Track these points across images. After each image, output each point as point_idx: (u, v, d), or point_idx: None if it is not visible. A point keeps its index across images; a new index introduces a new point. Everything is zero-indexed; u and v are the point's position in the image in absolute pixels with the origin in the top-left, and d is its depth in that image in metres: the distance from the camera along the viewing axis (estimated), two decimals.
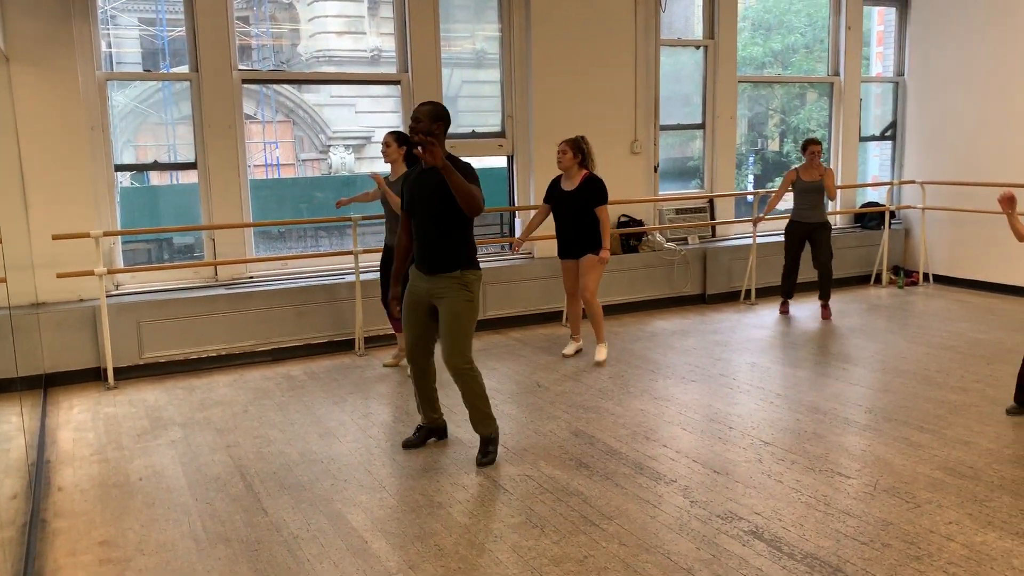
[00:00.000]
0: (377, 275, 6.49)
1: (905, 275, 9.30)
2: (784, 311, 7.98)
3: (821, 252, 7.65)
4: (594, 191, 6.11)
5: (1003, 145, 8.58)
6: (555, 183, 6.32)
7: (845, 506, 3.83)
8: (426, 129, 4.14)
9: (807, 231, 7.65)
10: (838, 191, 7.56)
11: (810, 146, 7.53)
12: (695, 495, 4.00)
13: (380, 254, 6.36)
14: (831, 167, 7.71)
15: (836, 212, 9.69)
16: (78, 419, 5.39)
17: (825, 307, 7.72)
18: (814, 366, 6.16)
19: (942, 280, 9.25)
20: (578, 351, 6.63)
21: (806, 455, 4.45)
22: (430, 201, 4.25)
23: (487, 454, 4.47)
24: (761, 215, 8.16)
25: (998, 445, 4.53)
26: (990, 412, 5.06)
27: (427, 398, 4.66)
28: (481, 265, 4.48)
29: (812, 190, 7.54)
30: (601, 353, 6.38)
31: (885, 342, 6.82)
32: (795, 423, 4.95)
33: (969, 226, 8.92)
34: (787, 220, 7.87)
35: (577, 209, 6.15)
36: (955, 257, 9.18)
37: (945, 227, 9.20)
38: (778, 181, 10.05)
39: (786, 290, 7.97)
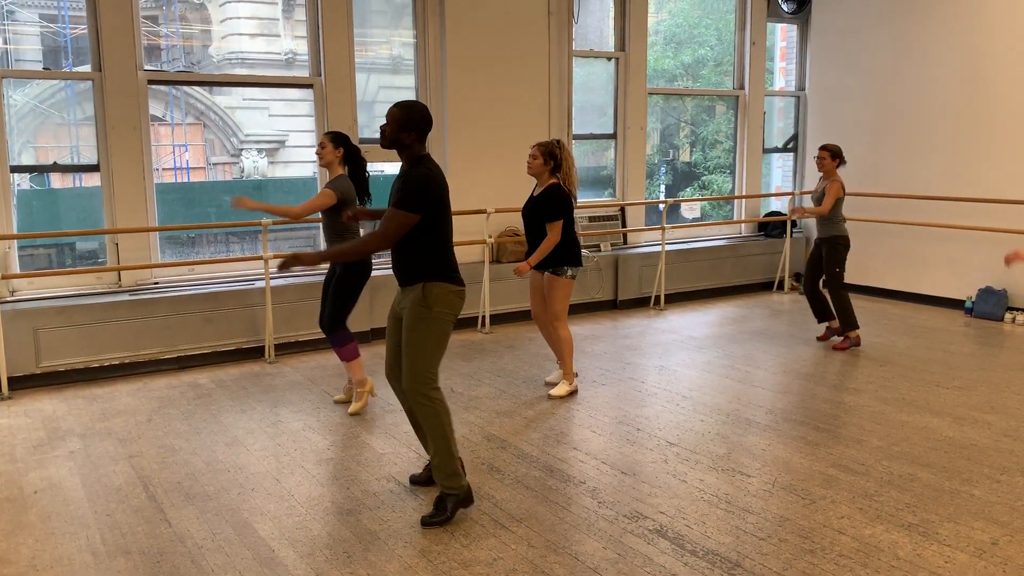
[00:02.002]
0: (289, 280, 6.37)
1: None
2: (823, 337, 7.20)
3: (825, 271, 6.98)
4: (550, 203, 5.45)
5: (898, 157, 9.03)
6: (533, 190, 5.69)
7: (745, 504, 3.98)
8: (393, 136, 3.75)
9: (818, 246, 7.07)
10: (824, 205, 6.79)
11: (818, 152, 7.00)
12: (603, 496, 4.08)
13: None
14: (837, 179, 6.89)
15: (741, 221, 10.05)
16: None
17: (834, 332, 7.06)
18: (719, 369, 6.36)
19: None
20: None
21: (709, 455, 4.60)
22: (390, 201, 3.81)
23: (439, 512, 3.81)
24: (801, 208, 7.35)
25: (887, 443, 4.77)
26: (881, 412, 5.31)
27: (421, 428, 4.05)
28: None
29: (818, 202, 6.97)
30: (561, 388, 5.70)
31: (786, 346, 7.08)
32: (700, 424, 5.11)
33: (865, 235, 9.34)
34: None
35: (535, 219, 5.53)
36: (852, 264, 9.52)
37: None
38: (688, 191, 10.35)
39: (814, 312, 7.17)
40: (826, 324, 7.19)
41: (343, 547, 3.58)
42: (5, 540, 3.68)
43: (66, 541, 3.67)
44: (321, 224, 5.43)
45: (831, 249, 6.96)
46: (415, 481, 4.25)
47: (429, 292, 3.76)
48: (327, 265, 5.48)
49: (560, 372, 5.87)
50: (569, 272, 5.56)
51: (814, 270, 7.14)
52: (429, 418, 3.77)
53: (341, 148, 5.25)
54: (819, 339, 7.22)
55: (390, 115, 3.76)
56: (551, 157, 5.50)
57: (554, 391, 5.70)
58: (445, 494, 3.84)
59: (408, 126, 3.73)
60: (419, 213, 3.68)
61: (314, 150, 5.41)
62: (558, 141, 5.58)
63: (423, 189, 3.68)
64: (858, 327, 6.99)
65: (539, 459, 4.56)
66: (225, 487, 4.23)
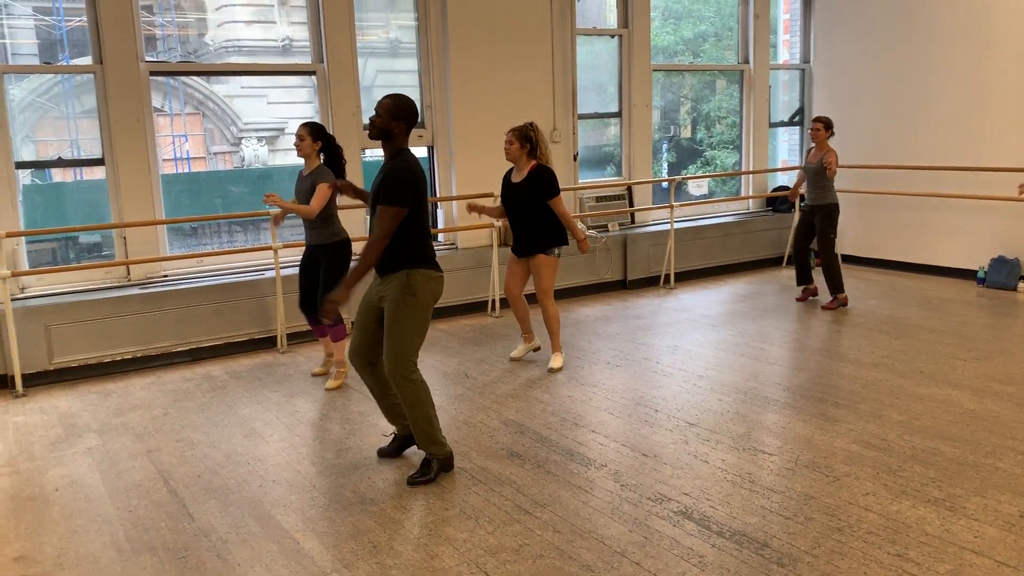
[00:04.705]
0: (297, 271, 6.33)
1: (815, 256, 9.61)
2: (800, 298, 7.79)
3: (819, 238, 7.50)
4: (542, 183, 5.58)
5: (905, 129, 8.96)
6: (507, 176, 5.82)
7: (769, 483, 3.96)
8: (384, 125, 3.93)
9: (811, 213, 7.57)
10: (832, 168, 7.24)
11: (813, 124, 7.49)
12: (625, 479, 4.06)
13: (302, 251, 5.96)
14: (832, 149, 7.37)
15: (749, 196, 9.99)
16: None
17: (811, 293, 7.70)
18: (733, 347, 6.33)
19: (850, 260, 9.60)
20: (534, 349, 6.24)
21: (730, 434, 4.58)
22: (375, 198, 3.98)
23: (424, 473, 4.10)
24: (790, 194, 8.49)
25: (907, 417, 4.74)
26: (899, 386, 5.29)
27: (389, 406, 4.33)
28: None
29: (814, 171, 7.43)
30: (556, 361, 5.91)
31: (799, 321, 7.05)
32: (718, 403, 5.09)
33: (874, 208, 9.30)
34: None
35: (525, 204, 5.64)
36: (862, 237, 9.56)
37: (852, 209, 9.55)
38: (692, 168, 10.28)
39: (798, 276, 7.78)
40: (804, 287, 7.79)
41: (368, 537, 3.57)
42: (29, 539, 3.68)
43: (90, 539, 3.66)
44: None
45: (827, 216, 7.42)
46: (383, 454, 4.46)
47: (414, 280, 4.00)
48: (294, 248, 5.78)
49: (527, 345, 6.21)
50: (556, 251, 5.78)
51: (806, 236, 7.69)
52: (411, 396, 4.03)
53: (319, 141, 5.50)
54: (798, 300, 7.81)
55: (382, 106, 3.97)
56: (527, 140, 5.61)
57: (553, 364, 5.89)
58: (430, 457, 4.13)
59: (399, 114, 3.96)
60: (407, 206, 3.90)
61: (292, 142, 5.60)
62: (531, 124, 5.69)
63: (404, 182, 3.89)
64: (844, 290, 7.52)
65: (559, 443, 4.55)
66: (246, 479, 4.22)
